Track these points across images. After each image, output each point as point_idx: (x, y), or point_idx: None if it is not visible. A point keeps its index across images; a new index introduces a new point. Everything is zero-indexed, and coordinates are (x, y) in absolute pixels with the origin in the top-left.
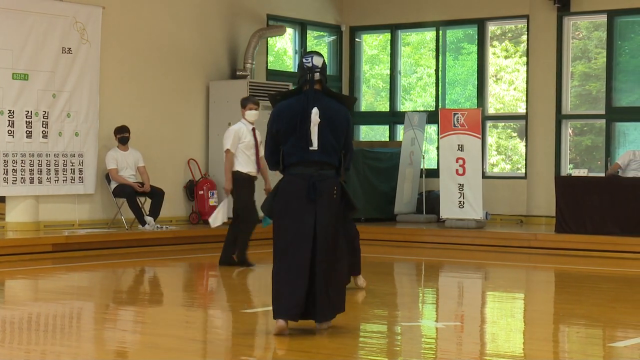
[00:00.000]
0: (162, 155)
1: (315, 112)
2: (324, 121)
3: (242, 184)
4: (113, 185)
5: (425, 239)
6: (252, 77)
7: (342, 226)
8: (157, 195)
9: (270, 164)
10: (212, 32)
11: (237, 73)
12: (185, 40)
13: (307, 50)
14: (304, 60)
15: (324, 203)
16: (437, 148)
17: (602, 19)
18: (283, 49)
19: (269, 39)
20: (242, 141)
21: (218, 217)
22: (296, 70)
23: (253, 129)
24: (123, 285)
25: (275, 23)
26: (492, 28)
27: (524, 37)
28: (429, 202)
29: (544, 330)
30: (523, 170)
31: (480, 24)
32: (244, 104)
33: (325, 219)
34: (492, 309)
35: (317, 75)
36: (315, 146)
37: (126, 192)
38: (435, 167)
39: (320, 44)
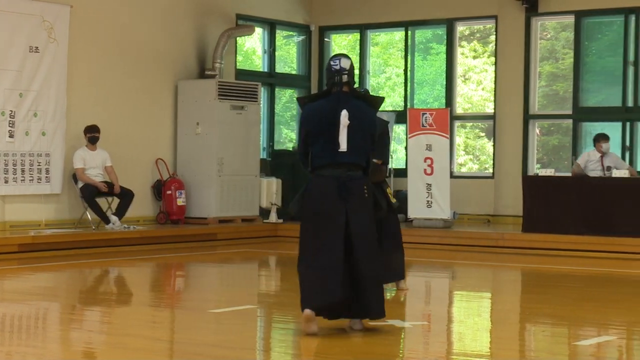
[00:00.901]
0: (129, 154)
1: (344, 114)
2: (353, 123)
3: None
4: (80, 185)
5: None
6: (221, 77)
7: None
8: (126, 196)
9: (303, 165)
10: (181, 32)
11: (206, 72)
12: (154, 40)
13: (335, 53)
14: (332, 63)
15: (355, 202)
16: (406, 148)
17: (570, 19)
18: (252, 49)
19: (238, 38)
20: None
21: None
22: (265, 70)
23: None
24: (90, 285)
25: (244, 23)
26: (460, 28)
27: (492, 38)
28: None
29: (511, 329)
30: (491, 170)
31: (449, 24)
32: None
33: (359, 218)
34: (459, 308)
35: (345, 78)
36: (344, 148)
37: (91, 192)
38: (404, 167)
39: (289, 43)
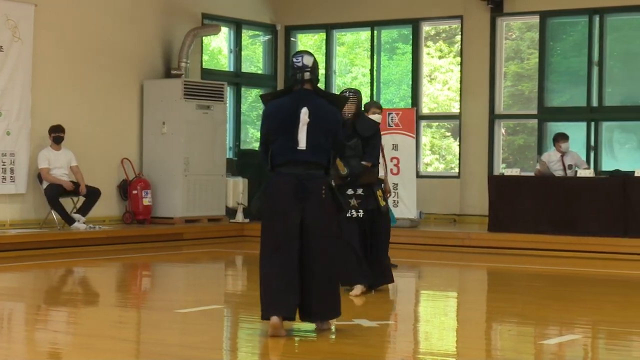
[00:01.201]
0: (95, 154)
1: (304, 111)
2: (314, 121)
3: None
4: (45, 184)
5: None
6: (187, 76)
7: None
8: (92, 195)
9: (264, 163)
10: (147, 31)
11: (172, 72)
12: (120, 39)
13: (298, 50)
14: (294, 60)
15: (312, 202)
16: None
17: (535, 20)
18: (218, 48)
19: (203, 37)
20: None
21: None
22: (231, 70)
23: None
24: (55, 285)
25: (210, 22)
26: (426, 28)
27: (458, 38)
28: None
29: (477, 329)
30: (457, 170)
31: (415, 24)
32: (367, 107)
33: (314, 218)
34: (425, 308)
35: (307, 75)
36: (303, 146)
37: (55, 192)
38: None
39: (255, 43)
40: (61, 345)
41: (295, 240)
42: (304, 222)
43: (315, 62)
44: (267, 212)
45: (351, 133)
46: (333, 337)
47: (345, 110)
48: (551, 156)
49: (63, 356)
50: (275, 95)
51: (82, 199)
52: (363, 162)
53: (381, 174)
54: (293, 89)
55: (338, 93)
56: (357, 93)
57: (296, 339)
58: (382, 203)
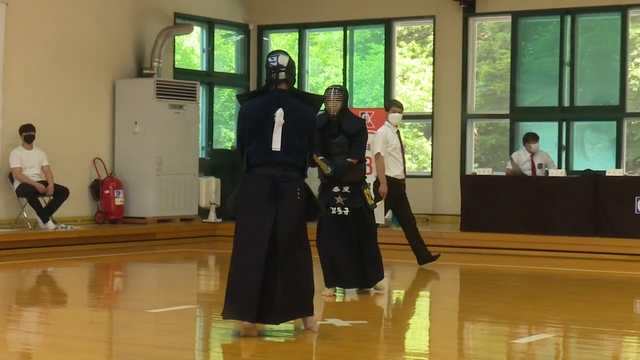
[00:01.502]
0: (67, 154)
1: (279, 113)
2: (289, 122)
3: (391, 188)
4: (16, 184)
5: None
6: (159, 76)
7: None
8: (60, 194)
9: (240, 164)
10: (119, 30)
11: (144, 71)
12: (91, 38)
13: (274, 50)
14: (270, 60)
15: (286, 204)
16: None
17: (507, 20)
18: (190, 48)
19: (176, 37)
20: (390, 144)
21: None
22: (203, 70)
23: (397, 132)
24: (27, 285)
25: (182, 21)
26: (399, 28)
27: (430, 38)
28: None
29: (449, 328)
30: (429, 169)
31: (387, 24)
32: (388, 106)
33: (287, 220)
34: (398, 307)
35: (282, 75)
36: (277, 147)
37: (28, 191)
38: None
39: (227, 42)
40: (33, 346)
41: (264, 242)
42: (277, 224)
43: (291, 62)
44: (241, 213)
45: (337, 130)
46: (305, 336)
47: (331, 107)
48: (521, 156)
49: (35, 357)
50: (251, 95)
51: (49, 198)
52: (348, 159)
53: (396, 173)
54: (269, 89)
55: (307, 91)
56: (342, 90)
57: (268, 339)
58: (370, 201)
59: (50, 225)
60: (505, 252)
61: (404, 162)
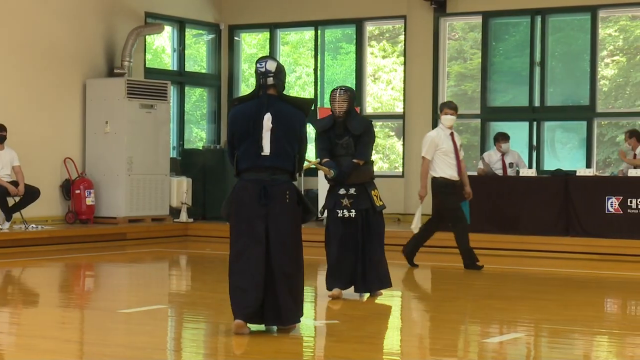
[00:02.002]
0: (37, 153)
1: (267, 117)
2: (278, 126)
3: (443, 189)
4: None
5: (303, 237)
6: (130, 75)
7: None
8: (30, 195)
9: (231, 168)
10: (89, 29)
11: (115, 71)
12: (62, 37)
13: (263, 55)
14: (258, 65)
15: (275, 208)
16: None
17: (477, 20)
18: (161, 47)
19: (147, 36)
20: (440, 147)
21: (418, 224)
22: (174, 69)
23: (451, 134)
24: None
25: (153, 21)
26: (370, 28)
27: (402, 38)
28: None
29: (421, 327)
30: (400, 169)
31: (358, 24)
32: (441, 108)
33: (278, 224)
34: (370, 307)
35: (270, 80)
36: (267, 152)
37: (1, 191)
38: (314, 166)
39: (199, 42)
40: (3, 346)
41: (260, 246)
42: (269, 228)
43: (279, 67)
44: (233, 218)
45: (342, 131)
46: (277, 336)
47: (336, 108)
48: (492, 156)
49: (5, 357)
50: (241, 100)
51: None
52: (354, 160)
53: (448, 174)
54: (258, 95)
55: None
56: (348, 91)
57: (240, 339)
58: (379, 203)
59: (6, 225)
60: (476, 251)
61: (459, 164)
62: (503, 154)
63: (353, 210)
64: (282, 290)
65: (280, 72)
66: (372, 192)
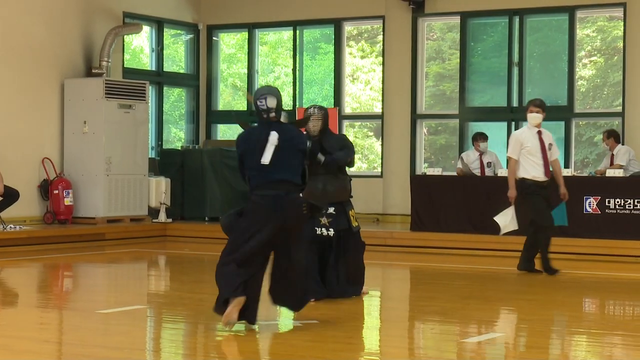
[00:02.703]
0: (15, 154)
1: (273, 134)
2: (284, 143)
3: (526, 190)
4: None
5: None
6: (108, 75)
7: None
8: (9, 197)
9: (246, 186)
10: (67, 29)
11: (93, 71)
12: (39, 37)
13: (261, 89)
14: (258, 102)
15: (290, 220)
16: None
17: (456, 20)
18: (140, 47)
19: (125, 36)
20: (525, 146)
21: (509, 225)
22: (153, 69)
23: (539, 132)
24: None
25: (131, 21)
26: (348, 28)
27: (380, 38)
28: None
29: (400, 327)
30: (379, 169)
31: (337, 24)
32: (527, 106)
33: (290, 235)
34: (348, 307)
35: (272, 115)
36: (266, 161)
37: None
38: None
39: (177, 42)
40: None
41: (266, 256)
42: (282, 236)
43: (278, 101)
44: (240, 230)
45: (319, 151)
46: (256, 336)
47: (310, 127)
48: (470, 155)
49: None
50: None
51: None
52: (335, 156)
53: (533, 174)
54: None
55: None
56: (322, 109)
57: (218, 339)
58: (355, 223)
59: None
60: (454, 251)
61: (546, 163)
62: (481, 154)
63: (332, 229)
64: (295, 280)
65: (279, 103)
66: (350, 212)
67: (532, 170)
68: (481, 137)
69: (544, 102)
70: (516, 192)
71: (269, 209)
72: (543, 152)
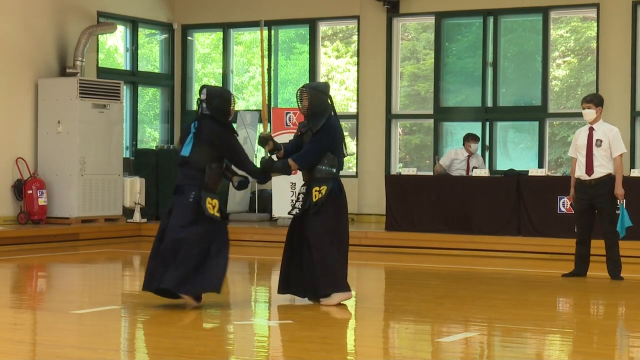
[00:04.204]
0: None
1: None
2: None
3: (576, 190)
4: None
5: (257, 237)
6: (83, 75)
7: None
8: None
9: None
10: (40, 28)
11: (67, 70)
12: (12, 36)
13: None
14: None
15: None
16: None
17: (430, 20)
18: (114, 47)
19: (99, 36)
20: (577, 144)
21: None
22: (127, 69)
23: (590, 129)
24: None
25: (105, 20)
26: (323, 28)
27: (355, 38)
28: (262, 201)
29: (374, 327)
30: (354, 169)
31: (312, 24)
32: (582, 103)
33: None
34: (323, 307)
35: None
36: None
37: None
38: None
39: (151, 42)
40: None
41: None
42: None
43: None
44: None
45: (307, 129)
46: (231, 335)
47: (300, 107)
48: (458, 154)
49: None
50: None
51: None
52: (289, 160)
53: (579, 173)
54: None
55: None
56: (309, 88)
57: (192, 340)
58: (315, 199)
59: None
60: (429, 251)
61: (589, 161)
62: (470, 155)
63: (297, 209)
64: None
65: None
66: (314, 188)
67: (578, 169)
68: (473, 138)
69: (597, 96)
70: (574, 191)
71: None
72: (588, 149)
